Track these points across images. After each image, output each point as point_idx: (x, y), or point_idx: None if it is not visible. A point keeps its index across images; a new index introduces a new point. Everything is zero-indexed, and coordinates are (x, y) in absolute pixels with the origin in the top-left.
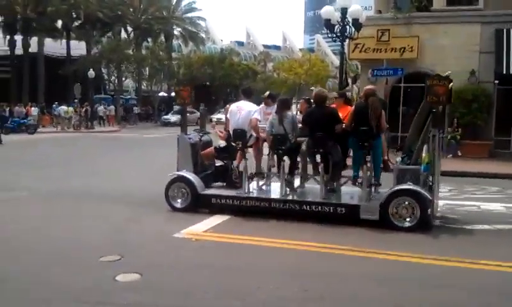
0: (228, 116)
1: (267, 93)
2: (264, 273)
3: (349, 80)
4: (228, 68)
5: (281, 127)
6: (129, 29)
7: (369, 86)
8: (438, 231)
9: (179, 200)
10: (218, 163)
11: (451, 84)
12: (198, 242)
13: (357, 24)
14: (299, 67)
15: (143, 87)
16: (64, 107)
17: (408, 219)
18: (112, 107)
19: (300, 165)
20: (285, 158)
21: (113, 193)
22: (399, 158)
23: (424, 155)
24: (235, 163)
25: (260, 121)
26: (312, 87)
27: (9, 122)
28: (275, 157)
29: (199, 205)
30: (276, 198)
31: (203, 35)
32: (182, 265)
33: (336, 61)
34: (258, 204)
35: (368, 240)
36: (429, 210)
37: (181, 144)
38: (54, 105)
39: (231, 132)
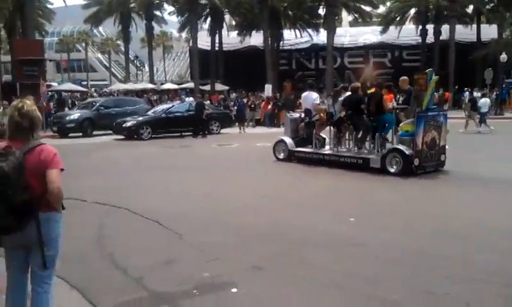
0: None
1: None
2: None
3: None
4: None
5: (332, 107)
6: None
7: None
8: None
9: (281, 153)
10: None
11: (436, 77)
12: None
13: None
14: None
15: None
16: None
17: (394, 167)
18: None
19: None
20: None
21: None
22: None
23: (402, 125)
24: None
25: (319, 104)
26: None
27: None
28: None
29: (291, 157)
30: (326, 153)
31: None
32: None
33: None
34: (316, 157)
35: None
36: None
37: (285, 119)
38: (463, 92)
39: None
